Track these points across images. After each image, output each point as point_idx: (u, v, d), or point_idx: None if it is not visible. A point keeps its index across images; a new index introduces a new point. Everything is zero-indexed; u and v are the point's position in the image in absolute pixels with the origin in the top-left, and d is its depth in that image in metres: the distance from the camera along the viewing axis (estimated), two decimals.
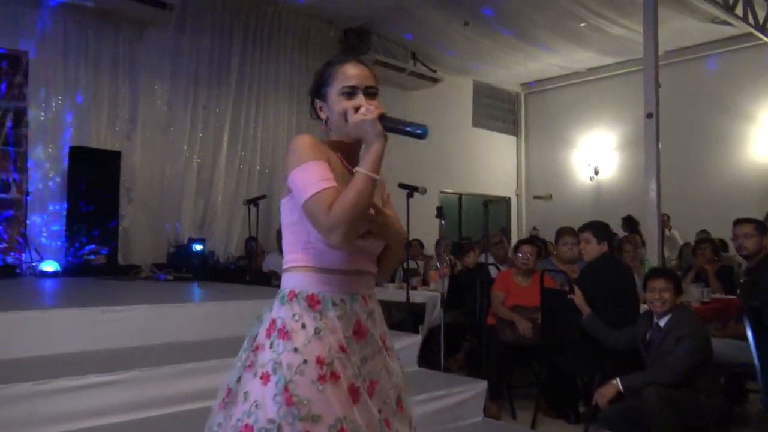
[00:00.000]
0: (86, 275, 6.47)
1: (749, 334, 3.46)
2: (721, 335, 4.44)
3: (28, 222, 6.68)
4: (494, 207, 11.89)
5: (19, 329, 3.15)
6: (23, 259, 6.49)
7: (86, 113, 7.38)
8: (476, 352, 5.41)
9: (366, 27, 9.72)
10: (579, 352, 4.24)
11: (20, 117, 6.49)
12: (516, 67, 11.53)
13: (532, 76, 12.43)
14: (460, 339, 5.86)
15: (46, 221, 7.06)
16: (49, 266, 6.53)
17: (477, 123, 12.50)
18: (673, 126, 8.62)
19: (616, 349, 3.95)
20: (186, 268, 7.06)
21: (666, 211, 7.89)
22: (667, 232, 9.00)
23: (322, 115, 1.72)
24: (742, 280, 5.00)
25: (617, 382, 3.48)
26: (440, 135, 11.35)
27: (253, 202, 6.64)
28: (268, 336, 1.56)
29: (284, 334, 1.54)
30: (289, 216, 1.63)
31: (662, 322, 3.58)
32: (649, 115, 6.80)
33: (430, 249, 8.09)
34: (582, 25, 9.28)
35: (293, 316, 1.56)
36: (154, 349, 3.42)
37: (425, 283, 6.43)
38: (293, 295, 1.59)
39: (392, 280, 6.16)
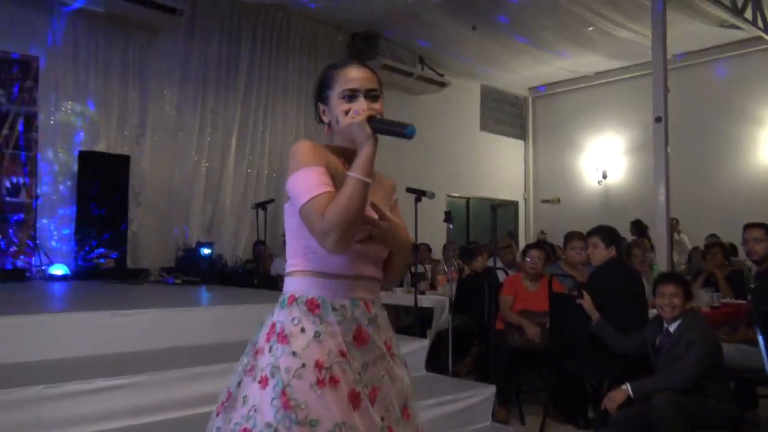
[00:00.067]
0: (95, 279, 6.50)
1: (760, 339, 3.43)
2: (731, 340, 4.41)
3: (37, 226, 6.72)
4: (502, 211, 11.87)
5: (28, 333, 3.17)
6: (33, 262, 6.53)
7: (96, 118, 7.44)
8: (484, 356, 5.39)
9: (374, 31, 9.74)
10: (588, 356, 4.21)
11: (30, 121, 6.54)
12: (524, 71, 11.52)
13: (540, 80, 12.42)
14: (468, 343, 5.84)
15: (55, 225, 7.11)
16: (59, 270, 6.57)
17: (485, 127, 12.49)
18: (682, 130, 8.59)
19: (625, 354, 3.93)
20: (194, 271, 7.08)
21: (675, 216, 7.85)
22: (676, 236, 8.96)
23: (325, 119, 1.71)
24: (752, 285, 4.97)
25: (627, 387, 3.46)
26: (448, 139, 11.36)
27: (261, 206, 6.66)
28: (268, 340, 1.56)
29: (283, 338, 1.54)
30: (290, 221, 1.63)
31: (672, 328, 3.56)
32: (657, 119, 6.79)
33: (437, 253, 8.08)
34: (590, 29, 9.26)
35: (292, 320, 1.56)
36: (163, 352, 3.43)
37: (433, 287, 6.41)
38: (293, 300, 1.59)
39: (400, 284, 6.16)
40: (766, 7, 8.70)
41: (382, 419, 1.56)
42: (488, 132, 12.55)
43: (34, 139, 6.58)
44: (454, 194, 11.65)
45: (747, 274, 6.21)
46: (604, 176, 11.93)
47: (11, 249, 6.36)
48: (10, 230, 6.38)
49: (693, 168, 9.81)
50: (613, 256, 4.33)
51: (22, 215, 6.46)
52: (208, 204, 8.37)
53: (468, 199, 12.18)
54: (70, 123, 7.27)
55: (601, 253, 4.35)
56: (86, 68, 7.37)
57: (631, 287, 4.30)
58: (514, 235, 11.53)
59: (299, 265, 1.62)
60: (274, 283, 6.68)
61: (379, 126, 1.56)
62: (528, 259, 5.08)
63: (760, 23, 8.62)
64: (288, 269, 1.65)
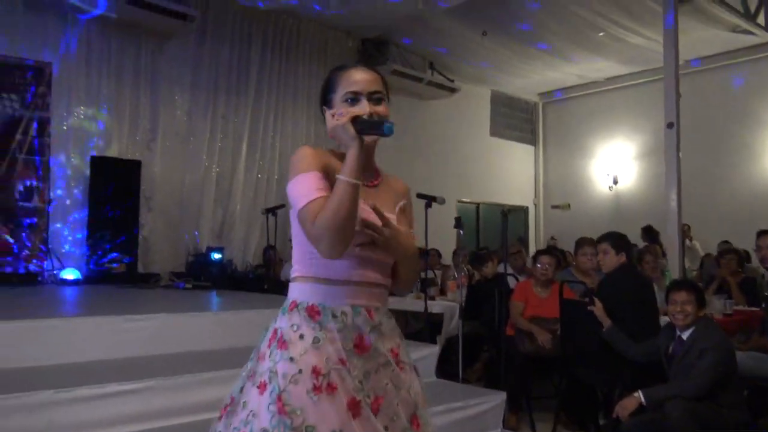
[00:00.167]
0: (106, 283, 6.54)
1: None
2: (744, 348, 4.37)
3: (50, 230, 6.76)
4: (512, 216, 11.84)
5: (40, 337, 3.18)
6: (45, 266, 6.57)
7: (108, 123, 7.50)
8: (494, 362, 5.37)
9: (384, 37, 9.76)
10: (599, 363, 4.19)
11: (43, 126, 6.60)
12: (534, 77, 11.50)
13: (551, 86, 12.40)
14: (478, 350, 5.82)
15: (67, 229, 7.16)
16: (70, 274, 6.61)
17: (495, 132, 12.48)
18: (693, 135, 8.54)
19: (636, 361, 3.90)
20: (204, 276, 7.10)
21: (686, 222, 7.81)
22: (687, 242, 8.90)
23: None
24: (766, 293, 4.92)
25: (639, 394, 3.43)
26: (458, 144, 11.36)
27: (271, 211, 6.67)
28: (269, 346, 1.56)
29: (282, 343, 1.54)
30: (294, 226, 1.63)
31: (685, 335, 3.53)
32: (669, 125, 6.76)
33: (447, 258, 8.07)
34: (601, 34, 9.24)
35: (292, 326, 1.55)
36: (173, 357, 3.44)
37: (443, 293, 6.40)
38: (294, 306, 1.59)
39: (410, 290, 6.15)
40: None
41: (386, 429, 1.54)
42: (498, 137, 12.53)
43: (47, 144, 6.63)
44: (464, 200, 11.64)
45: (760, 282, 6.16)
46: (615, 182, 11.88)
47: (24, 253, 6.41)
48: (23, 234, 6.42)
49: (704, 174, 9.75)
50: (624, 263, 4.30)
51: (35, 220, 6.51)
52: (219, 209, 8.41)
53: (478, 205, 12.16)
54: (83, 128, 7.33)
55: (611, 260, 4.32)
56: (99, 74, 7.43)
57: (641, 294, 4.27)
58: (524, 241, 11.50)
59: (301, 270, 1.62)
60: (284, 288, 6.63)
61: (363, 127, 1.55)
62: (539, 266, 5.06)
63: None
64: (292, 275, 1.66)
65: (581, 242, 5.24)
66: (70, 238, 7.16)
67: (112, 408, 2.74)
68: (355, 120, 1.55)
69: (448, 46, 9.90)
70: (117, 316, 3.55)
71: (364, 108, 1.60)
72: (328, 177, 1.56)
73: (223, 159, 8.45)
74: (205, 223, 8.20)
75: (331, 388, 1.48)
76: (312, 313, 1.56)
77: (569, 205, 12.56)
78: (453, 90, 10.68)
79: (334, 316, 1.55)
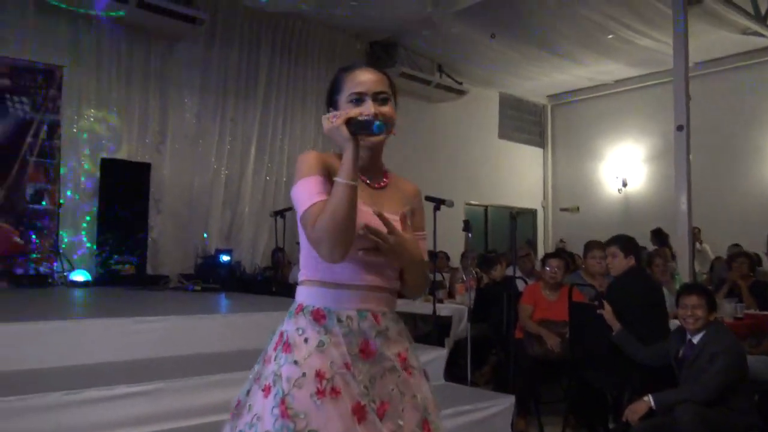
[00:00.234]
0: (115, 285, 6.57)
1: None
2: (755, 352, 4.33)
3: (60, 232, 6.80)
4: (520, 219, 11.81)
5: (49, 339, 3.20)
6: (55, 268, 6.61)
7: (118, 126, 7.54)
8: (503, 366, 5.35)
9: (392, 40, 9.78)
10: (608, 367, 4.16)
11: (54, 129, 6.64)
12: (543, 79, 11.48)
13: (560, 88, 12.37)
14: (486, 353, 5.80)
15: (77, 231, 7.20)
16: (80, 276, 6.64)
17: (503, 135, 12.46)
18: (703, 138, 8.49)
19: (646, 365, 3.88)
20: (213, 278, 7.12)
21: (696, 225, 7.76)
22: (697, 245, 8.84)
23: None
24: None
25: (649, 398, 3.41)
26: (466, 147, 11.35)
27: (279, 213, 6.69)
28: (275, 349, 1.56)
29: (287, 347, 1.53)
30: (300, 230, 1.62)
31: (696, 339, 3.51)
32: (679, 128, 6.73)
33: (455, 261, 8.05)
34: (610, 36, 9.21)
35: (297, 329, 1.55)
36: (182, 359, 3.45)
37: (451, 295, 6.39)
38: (300, 309, 1.59)
39: (420, 295, 6.13)
40: None
41: None
42: (507, 140, 12.52)
43: (57, 147, 6.68)
44: (472, 202, 11.62)
45: None
46: (624, 184, 11.84)
47: (34, 255, 6.45)
48: (34, 236, 6.47)
49: (714, 176, 9.69)
50: (633, 266, 4.28)
51: (45, 222, 6.55)
52: (227, 211, 8.43)
53: (486, 207, 12.14)
54: (93, 131, 7.38)
55: (620, 263, 4.30)
56: (109, 77, 7.48)
57: (650, 297, 4.25)
58: (532, 244, 11.46)
59: (308, 274, 1.62)
60: (293, 291, 6.63)
61: (356, 128, 1.54)
62: (548, 269, 5.04)
63: None
64: (299, 278, 1.65)
65: (590, 245, 5.22)
66: (79, 240, 7.20)
67: (121, 410, 2.74)
68: (349, 121, 1.54)
69: (456, 48, 9.89)
70: (126, 318, 3.56)
71: (368, 108, 1.59)
72: (333, 180, 1.56)
73: (232, 161, 8.48)
74: (213, 226, 8.24)
75: (335, 393, 1.47)
76: (317, 316, 1.55)
77: (578, 208, 12.52)
78: (461, 92, 10.68)
79: (339, 320, 1.54)
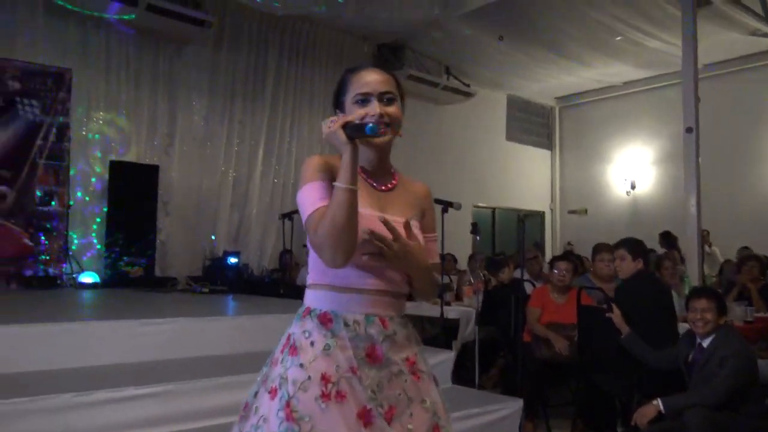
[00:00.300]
0: (124, 287, 6.59)
1: None
2: (765, 356, 4.31)
3: (69, 234, 6.83)
4: (528, 221, 11.78)
5: (59, 340, 3.21)
6: (64, 270, 6.64)
7: (126, 128, 7.58)
8: (511, 369, 5.33)
9: (400, 42, 9.78)
10: (617, 370, 4.15)
11: (63, 132, 6.67)
12: (550, 81, 11.46)
13: (568, 90, 12.33)
14: (494, 355, 5.79)
15: (86, 234, 7.23)
16: (88, 278, 6.67)
17: (511, 137, 12.43)
18: (712, 140, 8.45)
19: (655, 369, 3.86)
20: (221, 280, 7.13)
21: (704, 227, 7.72)
22: (707, 248, 8.80)
23: None
24: None
25: (658, 402, 3.39)
26: (474, 149, 11.34)
27: (287, 216, 6.69)
28: (282, 351, 1.57)
29: (293, 349, 1.53)
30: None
31: (705, 343, 3.48)
32: (688, 130, 6.70)
33: (463, 264, 8.04)
34: (618, 38, 9.18)
35: (304, 332, 1.55)
36: (190, 362, 3.45)
37: (459, 298, 6.38)
38: (307, 312, 1.59)
39: (430, 299, 6.12)
40: None
41: None
42: (515, 142, 12.49)
43: (66, 150, 6.71)
44: (480, 204, 11.60)
45: None
46: (633, 187, 11.79)
47: (43, 257, 6.48)
48: (43, 238, 6.50)
49: (723, 179, 9.63)
50: (641, 269, 4.26)
51: (55, 224, 6.58)
52: (235, 213, 8.46)
53: (494, 210, 12.11)
54: (102, 133, 7.43)
55: (628, 266, 4.28)
56: (117, 79, 7.52)
57: (658, 300, 4.23)
58: (540, 246, 11.43)
59: (315, 278, 1.62)
60: (300, 293, 6.64)
61: (352, 132, 1.53)
62: (556, 271, 5.02)
63: None
64: (308, 281, 1.66)
65: (598, 248, 5.20)
66: (88, 242, 7.24)
67: (130, 412, 2.75)
68: (346, 126, 1.54)
69: (464, 50, 9.89)
70: (134, 320, 3.57)
71: (374, 109, 1.59)
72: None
73: (240, 164, 8.51)
74: (221, 228, 8.26)
75: (340, 396, 1.47)
76: (324, 320, 1.55)
77: (586, 211, 12.47)
78: (469, 95, 10.67)
79: (346, 324, 1.54)
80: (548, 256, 10.17)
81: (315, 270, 1.62)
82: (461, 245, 8.19)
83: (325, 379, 1.48)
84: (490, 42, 9.35)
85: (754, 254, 6.82)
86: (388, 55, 9.89)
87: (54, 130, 6.58)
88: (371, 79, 1.62)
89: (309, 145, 9.13)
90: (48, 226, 6.55)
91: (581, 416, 4.48)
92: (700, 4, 7.26)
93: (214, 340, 3.73)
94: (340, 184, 1.48)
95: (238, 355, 3.63)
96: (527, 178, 12.60)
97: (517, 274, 5.80)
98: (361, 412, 1.47)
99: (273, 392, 1.50)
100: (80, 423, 2.62)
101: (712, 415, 3.21)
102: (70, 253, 6.74)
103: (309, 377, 1.48)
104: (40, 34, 6.93)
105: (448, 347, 4.85)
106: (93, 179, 7.33)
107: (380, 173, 1.68)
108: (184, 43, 7.93)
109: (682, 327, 3.97)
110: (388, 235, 1.52)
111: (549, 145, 13.20)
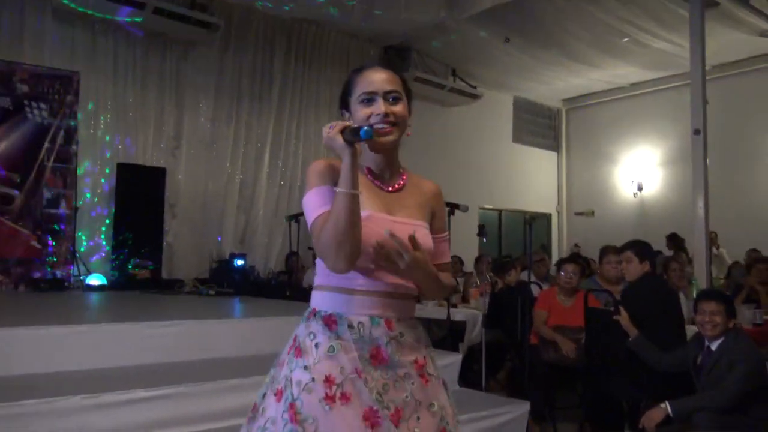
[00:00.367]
0: (131, 289, 6.60)
1: None
2: None
3: (76, 237, 6.86)
4: (535, 223, 11.69)
5: (68, 343, 3.22)
6: (71, 272, 6.66)
7: (133, 130, 7.61)
8: (518, 372, 5.32)
9: (406, 44, 9.78)
10: (625, 373, 4.13)
11: (71, 134, 6.70)
12: (557, 83, 11.43)
13: (574, 92, 12.30)
14: (501, 358, 5.77)
15: (93, 236, 7.26)
16: (96, 280, 6.68)
17: (517, 139, 12.41)
18: (720, 142, 8.42)
19: (663, 372, 3.84)
20: (227, 282, 7.14)
21: (712, 229, 7.69)
22: (714, 250, 8.75)
23: None
24: None
25: (666, 405, 3.38)
26: (480, 151, 11.32)
27: (294, 218, 6.70)
28: (288, 353, 1.57)
29: (298, 351, 1.54)
30: None
31: (714, 346, 3.47)
32: (696, 132, 6.67)
33: (469, 266, 8.03)
34: (625, 40, 9.15)
35: (309, 334, 1.55)
36: (197, 364, 3.46)
37: (465, 300, 6.37)
38: (313, 314, 1.59)
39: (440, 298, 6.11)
40: None
41: None
42: (521, 144, 12.47)
43: (74, 152, 6.74)
44: (486, 206, 11.58)
45: None
46: (640, 189, 11.74)
47: (50, 259, 6.51)
48: (50, 241, 6.52)
49: (730, 180, 9.59)
50: (648, 271, 4.24)
51: (62, 226, 6.61)
52: (242, 215, 8.47)
53: (500, 212, 12.10)
54: (109, 136, 7.44)
55: (635, 268, 4.26)
56: (125, 82, 7.55)
57: (665, 303, 4.21)
58: (546, 249, 11.41)
59: (321, 280, 1.62)
60: (307, 295, 6.65)
61: (350, 136, 1.53)
62: (563, 274, 5.01)
63: None
64: (314, 283, 1.66)
65: (605, 250, 5.19)
66: (96, 244, 7.26)
67: (138, 414, 2.76)
68: (344, 130, 1.54)
69: (470, 52, 9.88)
70: (141, 322, 3.58)
71: (379, 107, 1.59)
72: None
73: (247, 166, 8.53)
74: (228, 230, 8.27)
75: (345, 398, 1.47)
76: (329, 322, 1.55)
77: (593, 212, 12.43)
78: (475, 96, 10.66)
79: (350, 326, 1.54)
80: (555, 258, 10.15)
81: (321, 272, 1.62)
82: (468, 247, 8.19)
83: (329, 381, 1.48)
84: (496, 44, 9.34)
85: (763, 257, 6.79)
86: (395, 58, 9.90)
87: (62, 132, 6.60)
88: (376, 78, 1.62)
89: (315, 146, 9.14)
90: (56, 228, 6.57)
91: (588, 419, 4.46)
92: (708, 5, 7.23)
93: (221, 343, 3.73)
94: (342, 189, 1.48)
95: (245, 358, 3.63)
96: (534, 180, 12.58)
97: (524, 276, 5.80)
98: (366, 413, 1.47)
99: (279, 394, 1.51)
100: (90, 425, 2.63)
101: (721, 419, 3.19)
102: (78, 255, 6.75)
103: (313, 379, 1.48)
104: (48, 37, 6.97)
105: (455, 350, 4.84)
106: (101, 181, 7.36)
107: (387, 174, 1.68)
108: (191, 45, 7.96)
109: (691, 330, 3.95)
110: (395, 247, 1.49)
111: (556, 147, 13.17)
